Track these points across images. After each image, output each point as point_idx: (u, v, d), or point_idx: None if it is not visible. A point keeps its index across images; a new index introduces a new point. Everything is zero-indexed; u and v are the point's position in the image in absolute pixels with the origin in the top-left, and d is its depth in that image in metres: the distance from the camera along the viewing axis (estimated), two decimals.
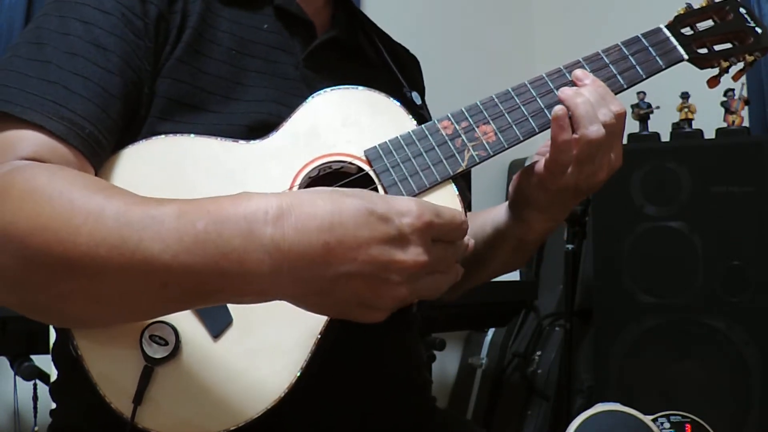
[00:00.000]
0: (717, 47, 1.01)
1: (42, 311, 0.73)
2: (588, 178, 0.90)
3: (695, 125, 2.32)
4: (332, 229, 0.65)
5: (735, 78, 1.04)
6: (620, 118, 0.90)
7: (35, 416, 1.69)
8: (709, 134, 2.27)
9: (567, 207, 0.95)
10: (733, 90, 2.28)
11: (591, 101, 0.89)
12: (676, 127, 2.34)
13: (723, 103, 2.29)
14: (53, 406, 0.93)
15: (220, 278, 0.66)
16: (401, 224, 0.67)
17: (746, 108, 2.33)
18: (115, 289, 0.68)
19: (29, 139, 0.75)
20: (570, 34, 3.17)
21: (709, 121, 2.30)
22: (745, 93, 2.30)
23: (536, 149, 0.99)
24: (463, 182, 1.13)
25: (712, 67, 1.02)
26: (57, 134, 0.76)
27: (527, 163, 0.96)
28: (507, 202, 1.02)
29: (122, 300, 0.69)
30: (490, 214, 1.05)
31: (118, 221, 0.66)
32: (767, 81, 2.47)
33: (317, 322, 0.80)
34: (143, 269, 0.65)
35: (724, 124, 2.27)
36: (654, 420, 1.83)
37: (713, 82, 1.02)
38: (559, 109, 0.88)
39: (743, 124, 2.28)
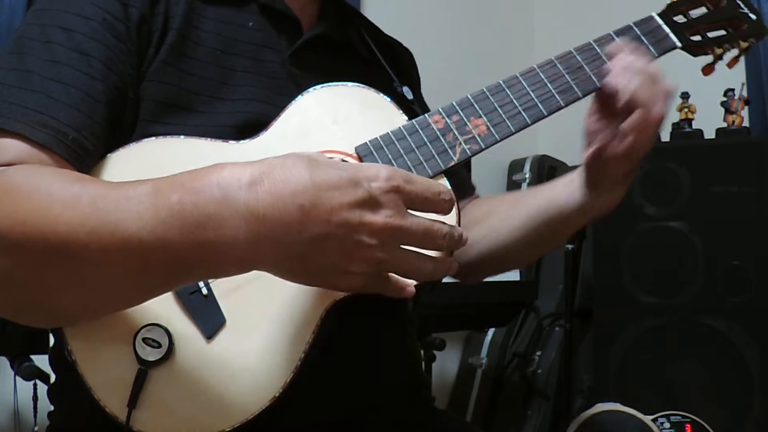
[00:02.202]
0: (710, 34, 1.01)
1: (32, 309, 0.73)
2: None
3: (695, 125, 2.32)
4: (306, 192, 0.65)
5: (730, 65, 1.04)
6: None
7: (35, 416, 1.68)
8: (709, 134, 2.27)
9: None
10: (733, 90, 2.28)
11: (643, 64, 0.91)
12: (676, 127, 2.34)
13: (723, 103, 2.29)
14: (52, 407, 0.93)
15: (198, 249, 0.66)
16: (371, 187, 0.67)
17: (746, 108, 2.33)
18: (99, 273, 0.68)
19: (12, 148, 0.75)
20: (569, 29, 3.16)
21: (709, 121, 2.30)
22: (745, 93, 2.30)
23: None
24: (464, 169, 1.13)
25: (706, 54, 1.01)
26: (40, 143, 0.76)
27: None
28: (560, 188, 1.02)
29: (107, 284, 0.70)
30: (547, 199, 1.04)
31: (95, 206, 0.67)
32: (767, 81, 2.47)
33: (311, 320, 0.80)
34: (123, 249, 0.66)
35: (724, 124, 2.27)
36: (654, 420, 1.83)
37: (708, 69, 1.02)
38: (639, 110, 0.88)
39: (743, 124, 2.28)
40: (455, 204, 0.80)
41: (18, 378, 1.61)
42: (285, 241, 0.66)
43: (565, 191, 1.01)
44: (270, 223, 0.65)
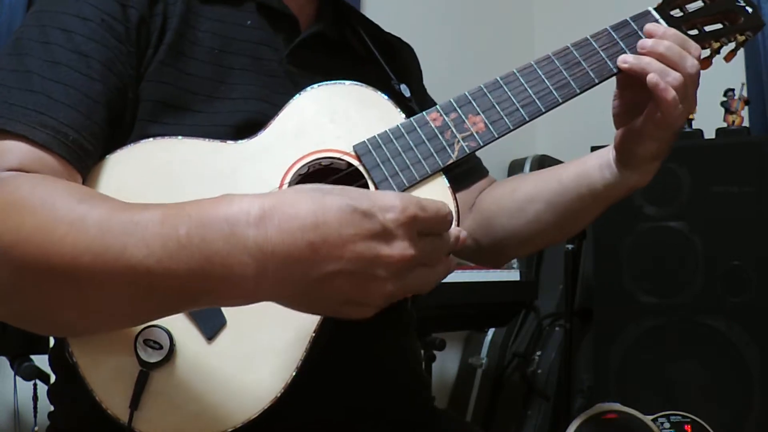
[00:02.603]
0: (707, 28, 1.01)
1: (33, 321, 0.73)
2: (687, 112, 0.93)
3: (695, 125, 2.31)
4: (316, 228, 0.64)
5: (727, 59, 1.04)
6: (698, 51, 0.94)
7: (35, 416, 1.68)
8: (709, 134, 2.27)
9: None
10: (733, 90, 2.27)
11: (674, 43, 0.92)
12: None
13: (723, 103, 2.28)
14: (52, 408, 0.93)
15: (205, 282, 0.65)
16: (385, 219, 0.66)
17: (746, 108, 2.32)
18: (102, 296, 0.67)
19: (13, 150, 0.75)
20: (569, 29, 3.16)
21: (709, 121, 2.29)
22: (745, 93, 2.30)
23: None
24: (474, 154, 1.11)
25: (704, 48, 1.01)
26: (41, 143, 0.76)
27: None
28: (593, 166, 1.02)
29: (110, 307, 0.69)
30: (577, 176, 1.04)
31: (101, 229, 0.66)
32: (767, 81, 2.47)
33: (311, 321, 0.80)
34: (128, 276, 0.65)
35: (724, 124, 2.27)
36: (654, 420, 1.83)
37: (705, 63, 1.02)
38: (652, 76, 0.90)
39: (743, 124, 2.28)
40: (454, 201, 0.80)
41: (18, 378, 1.61)
42: (294, 277, 0.65)
43: (597, 168, 1.01)
44: (278, 260, 0.64)
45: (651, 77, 0.89)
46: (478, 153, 0.95)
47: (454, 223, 0.76)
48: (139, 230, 0.65)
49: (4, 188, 0.70)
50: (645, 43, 0.93)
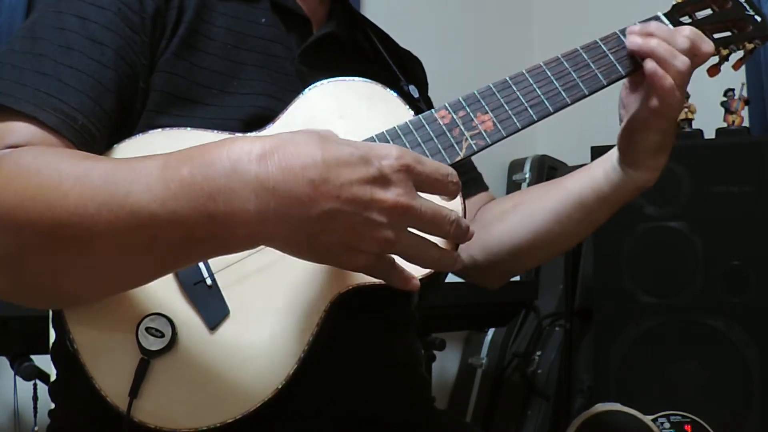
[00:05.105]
0: (716, 35, 1.01)
1: (36, 291, 0.73)
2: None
3: (695, 125, 2.32)
4: (316, 167, 0.65)
5: (735, 67, 1.04)
6: (692, 41, 0.93)
7: (35, 416, 1.68)
8: (709, 134, 2.27)
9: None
10: (733, 90, 2.28)
11: (665, 38, 0.92)
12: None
13: (723, 103, 2.29)
14: (52, 406, 0.93)
15: (208, 222, 0.65)
16: (381, 165, 0.67)
17: (746, 108, 2.33)
18: (107, 250, 0.68)
19: (22, 130, 0.76)
20: (569, 30, 3.17)
21: (709, 121, 2.30)
22: (745, 93, 2.30)
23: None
24: (475, 169, 1.13)
25: (712, 55, 1.02)
26: (50, 125, 0.76)
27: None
28: (599, 171, 1.02)
29: (114, 262, 0.69)
30: (582, 181, 1.04)
31: (105, 179, 0.67)
32: (767, 81, 2.47)
33: (314, 312, 0.80)
34: (132, 223, 0.66)
35: (724, 124, 2.27)
36: (654, 420, 1.84)
37: (713, 70, 1.02)
38: (649, 62, 0.91)
39: (743, 124, 2.28)
40: (461, 197, 0.80)
41: (18, 378, 1.61)
42: (294, 215, 0.65)
43: (602, 171, 1.01)
44: (280, 197, 0.64)
45: (648, 64, 0.90)
46: (480, 154, 0.95)
47: (460, 208, 0.76)
48: (143, 176, 0.66)
49: (8, 158, 0.71)
50: (649, 25, 0.94)
